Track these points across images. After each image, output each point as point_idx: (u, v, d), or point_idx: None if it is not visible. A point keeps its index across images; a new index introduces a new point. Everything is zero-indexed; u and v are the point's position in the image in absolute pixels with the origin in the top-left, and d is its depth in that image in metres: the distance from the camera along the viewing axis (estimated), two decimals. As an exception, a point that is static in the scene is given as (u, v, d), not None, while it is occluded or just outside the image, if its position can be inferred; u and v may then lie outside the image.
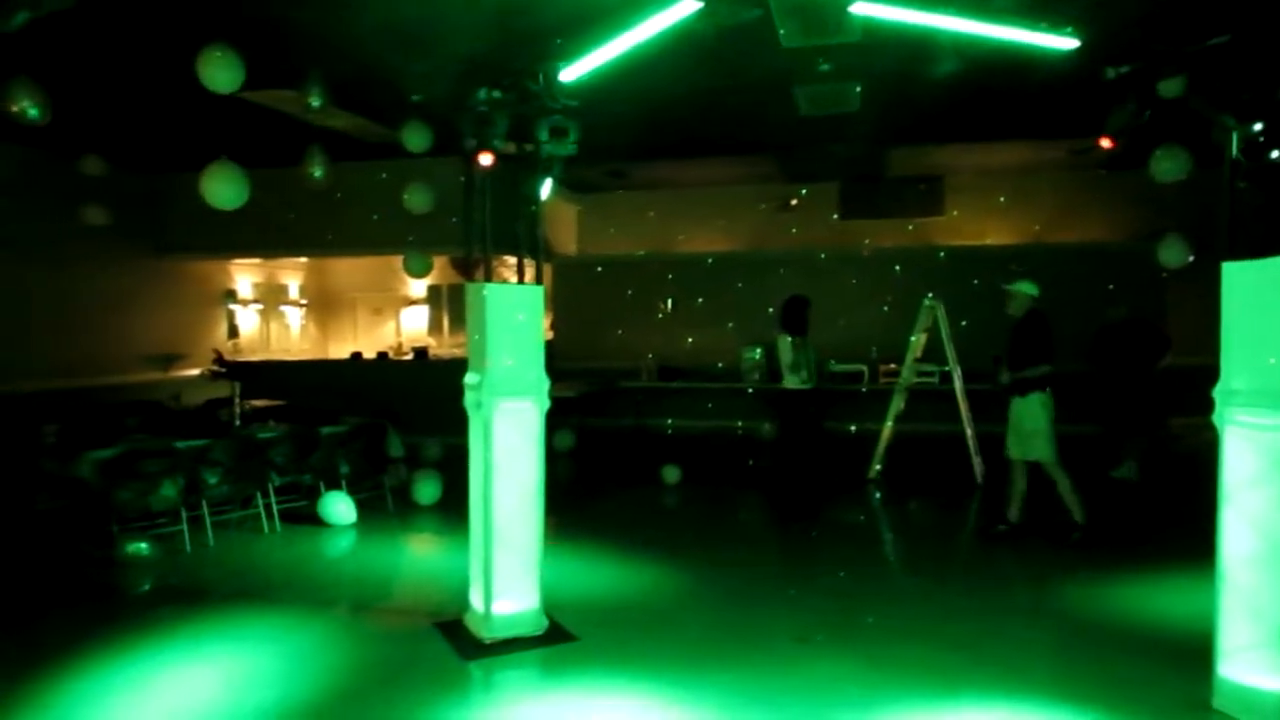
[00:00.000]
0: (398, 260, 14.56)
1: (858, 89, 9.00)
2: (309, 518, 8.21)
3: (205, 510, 7.53)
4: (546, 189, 5.41)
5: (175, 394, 10.73)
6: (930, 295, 10.19)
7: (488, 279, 5.53)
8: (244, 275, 15.38)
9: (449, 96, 5.76)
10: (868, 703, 4.43)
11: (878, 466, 10.22)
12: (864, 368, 12.79)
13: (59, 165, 10.65)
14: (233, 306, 15.04)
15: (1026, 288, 7.34)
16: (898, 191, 14.27)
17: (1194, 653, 4.53)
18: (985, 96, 9.06)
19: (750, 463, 11.32)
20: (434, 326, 16.31)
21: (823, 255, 14.03)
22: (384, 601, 6.49)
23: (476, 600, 5.38)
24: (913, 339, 10.32)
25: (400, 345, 15.95)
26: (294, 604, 6.12)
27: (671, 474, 10.06)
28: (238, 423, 8.41)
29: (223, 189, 7.68)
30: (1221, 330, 4.21)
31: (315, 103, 8.09)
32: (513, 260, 5.84)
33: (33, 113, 6.50)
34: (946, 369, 10.31)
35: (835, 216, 14.57)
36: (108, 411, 8.97)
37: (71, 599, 6.31)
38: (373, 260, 15.72)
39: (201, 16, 6.85)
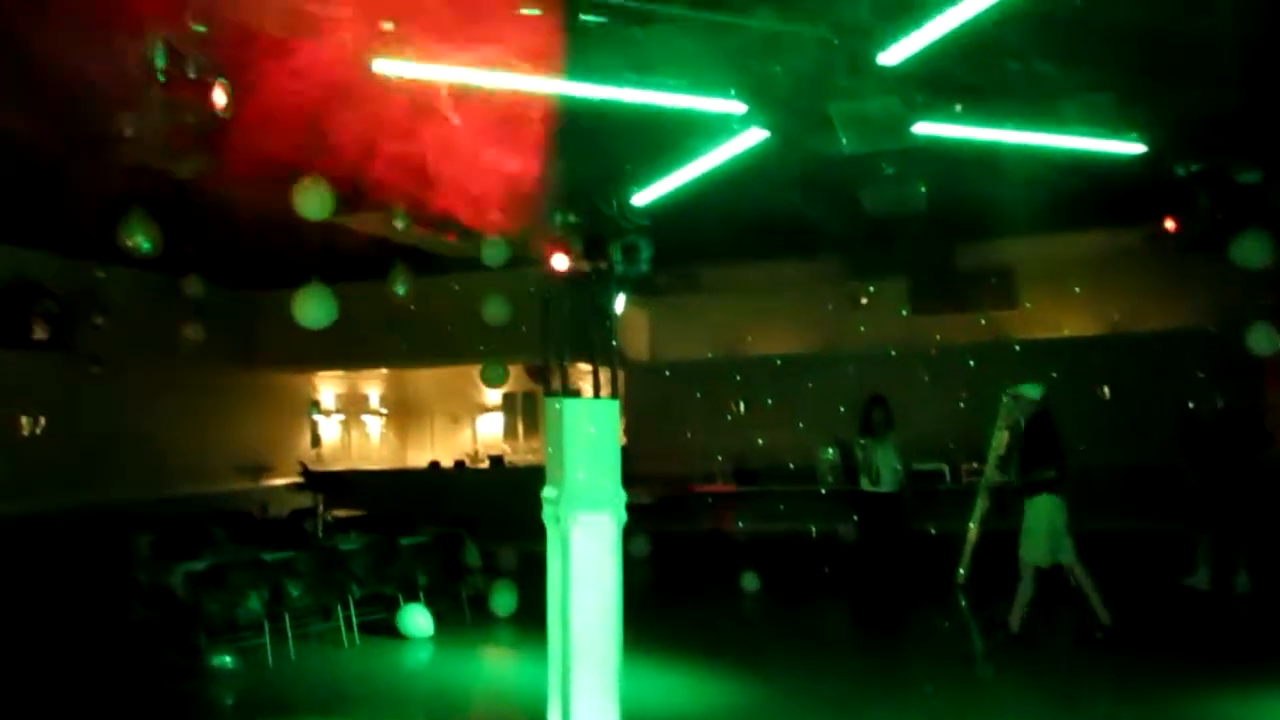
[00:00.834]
0: (474, 369, 14.90)
1: (922, 189, 9.06)
2: (388, 629, 8.24)
3: (288, 622, 7.63)
4: (620, 303, 5.55)
5: (263, 504, 11.03)
6: (1009, 390, 9.97)
7: (564, 391, 5.64)
8: (327, 386, 15.89)
9: (526, 216, 6.01)
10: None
11: (964, 571, 9.85)
12: (944, 466, 12.48)
13: (163, 285, 11.26)
14: (316, 416, 15.50)
15: (1030, 391, 7.46)
16: (968, 285, 14.14)
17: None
18: (1056, 188, 9.02)
19: (826, 569, 11.05)
20: (509, 433, 16.52)
21: (892, 352, 13.91)
22: (461, 716, 6.44)
23: (554, 714, 5.30)
24: (994, 436, 10.07)
25: (476, 452, 16.16)
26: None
27: (750, 581, 9.87)
28: (320, 534, 8.58)
29: (314, 309, 8.04)
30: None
31: (400, 224, 8.49)
32: (587, 366, 5.95)
33: (145, 246, 6.97)
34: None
35: (905, 312, 14.49)
36: (197, 522, 9.25)
37: (160, 712, 6.42)
38: (449, 369, 16.10)
39: (295, 149, 7.31)
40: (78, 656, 7.62)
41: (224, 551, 7.70)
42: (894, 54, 4.91)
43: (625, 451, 5.48)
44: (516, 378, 15.17)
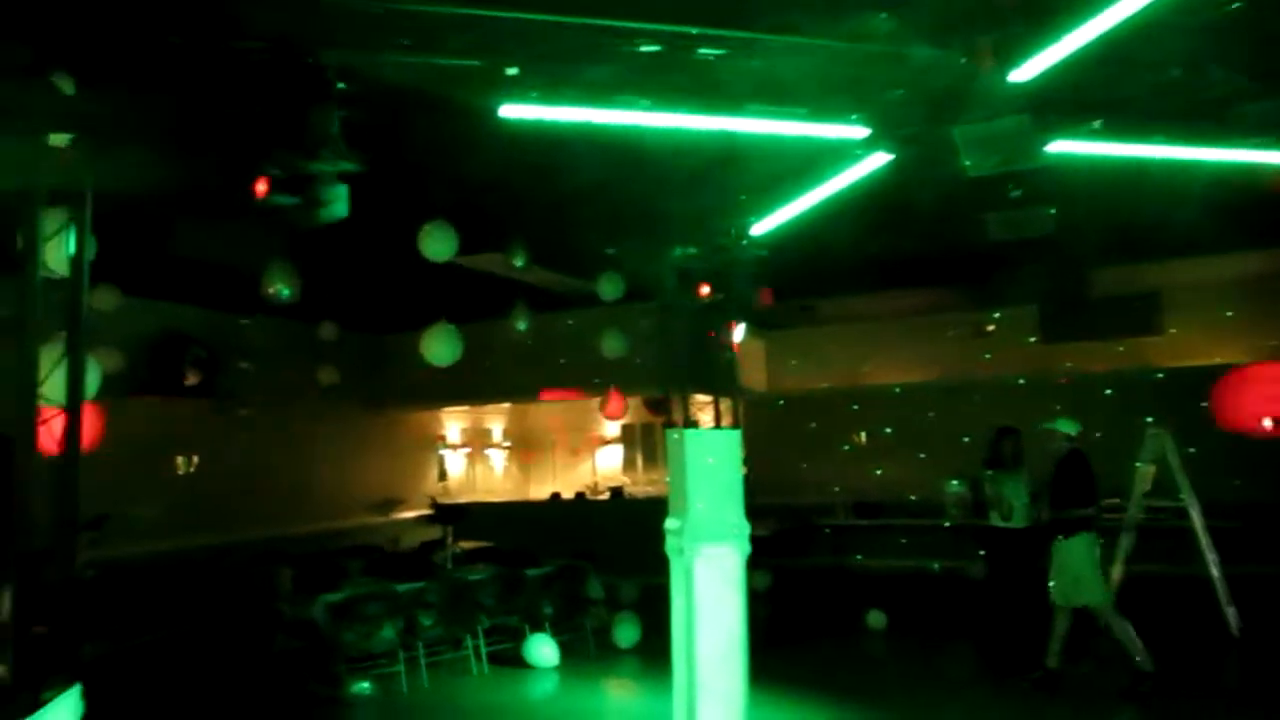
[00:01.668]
0: (592, 402, 15.09)
1: (1051, 211, 8.75)
2: (514, 660, 8.37)
3: (421, 651, 7.86)
4: (739, 333, 5.55)
5: (394, 537, 11.41)
6: (1152, 422, 9.45)
7: (685, 422, 5.66)
8: (452, 421, 16.39)
9: (646, 250, 6.10)
10: None
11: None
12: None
13: (299, 331, 11.89)
14: (442, 451, 15.99)
15: (1065, 426, 7.23)
16: (1105, 311, 13.45)
17: None
18: (1206, 206, 8.52)
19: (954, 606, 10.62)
20: (628, 465, 16.64)
21: (1020, 381, 13.38)
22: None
23: (682, 752, 5.27)
24: (1139, 470, 9.53)
25: (596, 484, 16.33)
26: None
27: (876, 619, 9.58)
28: (449, 565, 8.82)
29: (441, 347, 8.35)
30: None
31: (519, 263, 8.74)
32: (705, 398, 5.97)
33: (285, 293, 7.41)
34: (1180, 503, 9.38)
35: (1034, 340, 13.93)
36: (334, 557, 9.65)
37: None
38: (567, 403, 16.37)
39: (420, 195, 7.65)
40: (228, 685, 8.00)
41: (360, 584, 7.99)
42: (1026, 70, 4.74)
43: (744, 483, 5.47)
44: (635, 410, 15.32)
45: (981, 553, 9.44)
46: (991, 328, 14.18)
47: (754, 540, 5.26)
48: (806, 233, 6.85)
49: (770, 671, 7.56)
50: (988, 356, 14.17)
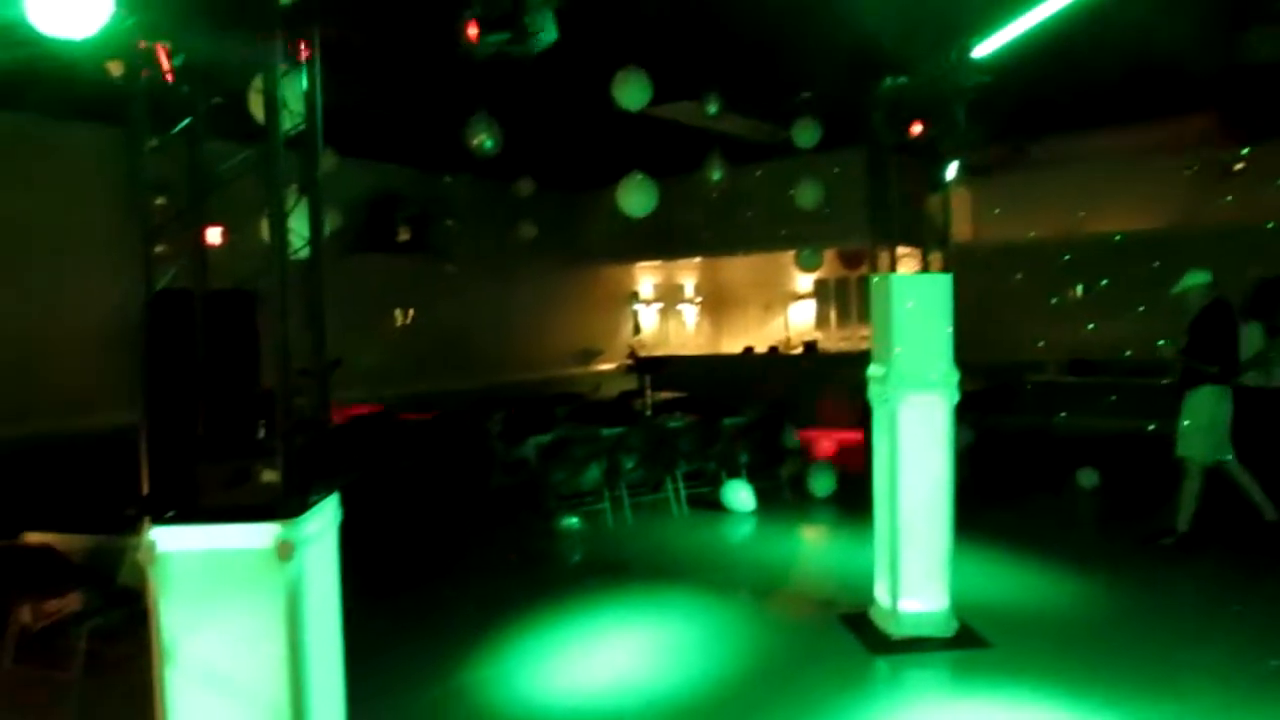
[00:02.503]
0: (785, 257, 14.83)
1: (1329, 23, 7.52)
2: (712, 504, 8.66)
3: (624, 492, 8.28)
4: (953, 171, 5.20)
5: (595, 386, 11.89)
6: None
7: (892, 270, 5.44)
8: (646, 277, 16.63)
9: (848, 88, 5.75)
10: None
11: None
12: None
13: (499, 190, 12.26)
14: (636, 306, 16.33)
15: (1197, 278, 6.82)
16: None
17: None
18: None
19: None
20: (821, 321, 16.42)
21: (1269, 226, 11.93)
22: (786, 589, 6.66)
23: (882, 596, 5.33)
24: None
25: (789, 340, 16.26)
26: (703, 584, 6.49)
27: (1088, 478, 9.16)
28: (649, 413, 9.12)
29: (637, 198, 8.35)
30: None
31: (712, 109, 8.51)
32: (903, 250, 5.69)
33: (488, 145, 7.58)
34: None
35: (1292, 179, 12.29)
36: (541, 403, 10.20)
37: (518, 563, 7.26)
38: (761, 257, 16.19)
39: (614, 38, 7.50)
40: (453, 515, 8.76)
41: (566, 428, 8.42)
42: None
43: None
44: (830, 264, 14.96)
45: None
46: (1240, 166, 12.63)
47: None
48: (1022, 64, 6.24)
49: (973, 525, 7.44)
50: (1230, 199, 12.70)
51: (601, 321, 15.70)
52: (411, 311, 12.17)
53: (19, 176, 8.36)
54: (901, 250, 5.63)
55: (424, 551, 7.60)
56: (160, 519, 2.57)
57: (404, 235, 11.97)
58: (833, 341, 15.73)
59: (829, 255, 14.61)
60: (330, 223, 6.76)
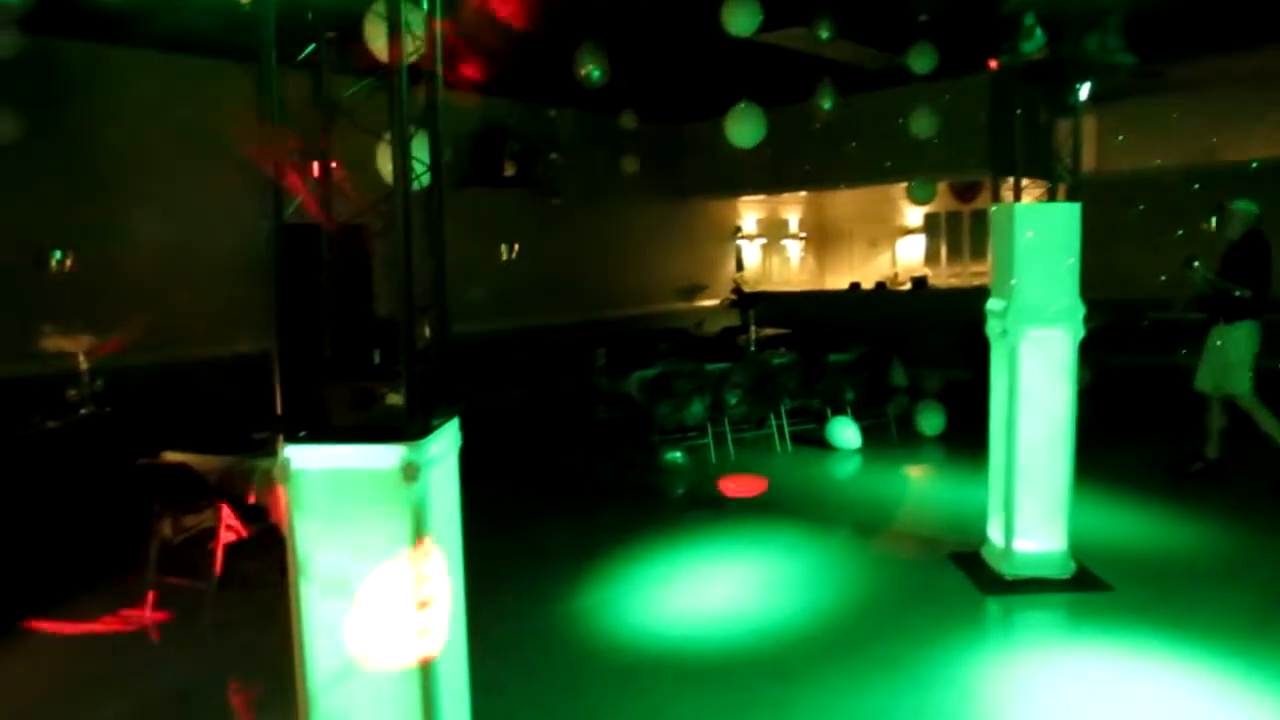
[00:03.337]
0: (893, 191, 14.38)
1: None
2: (816, 441, 8.59)
3: (727, 427, 8.27)
4: (1085, 93, 4.89)
5: (698, 322, 11.85)
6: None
7: (1016, 198, 5.20)
8: (749, 212, 16.38)
9: (968, 9, 5.45)
10: None
11: None
12: None
13: (603, 123, 12.18)
14: (739, 242, 16.13)
15: (1245, 206, 6.81)
16: None
17: None
18: None
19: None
20: (931, 256, 15.92)
21: None
22: (893, 526, 6.57)
23: (996, 535, 5.21)
24: None
25: (896, 275, 15.84)
26: (807, 519, 6.47)
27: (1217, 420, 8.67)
28: (753, 349, 9.04)
29: (744, 128, 8.17)
30: None
31: (824, 34, 8.20)
32: (1025, 181, 5.41)
33: (595, 74, 7.50)
34: None
35: None
36: (644, 337, 10.23)
37: (623, 495, 7.37)
38: (867, 192, 15.74)
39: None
40: (559, 446, 8.94)
41: (670, 362, 8.43)
42: None
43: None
44: (941, 198, 14.45)
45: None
46: None
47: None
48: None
49: (1092, 465, 7.18)
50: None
51: (704, 257, 15.57)
52: (517, 246, 12.29)
53: (156, 111, 8.69)
54: (1027, 180, 5.37)
55: (533, 480, 7.80)
56: (293, 438, 2.68)
57: (510, 170, 12.03)
58: (942, 278, 15.26)
59: (941, 188, 14.09)
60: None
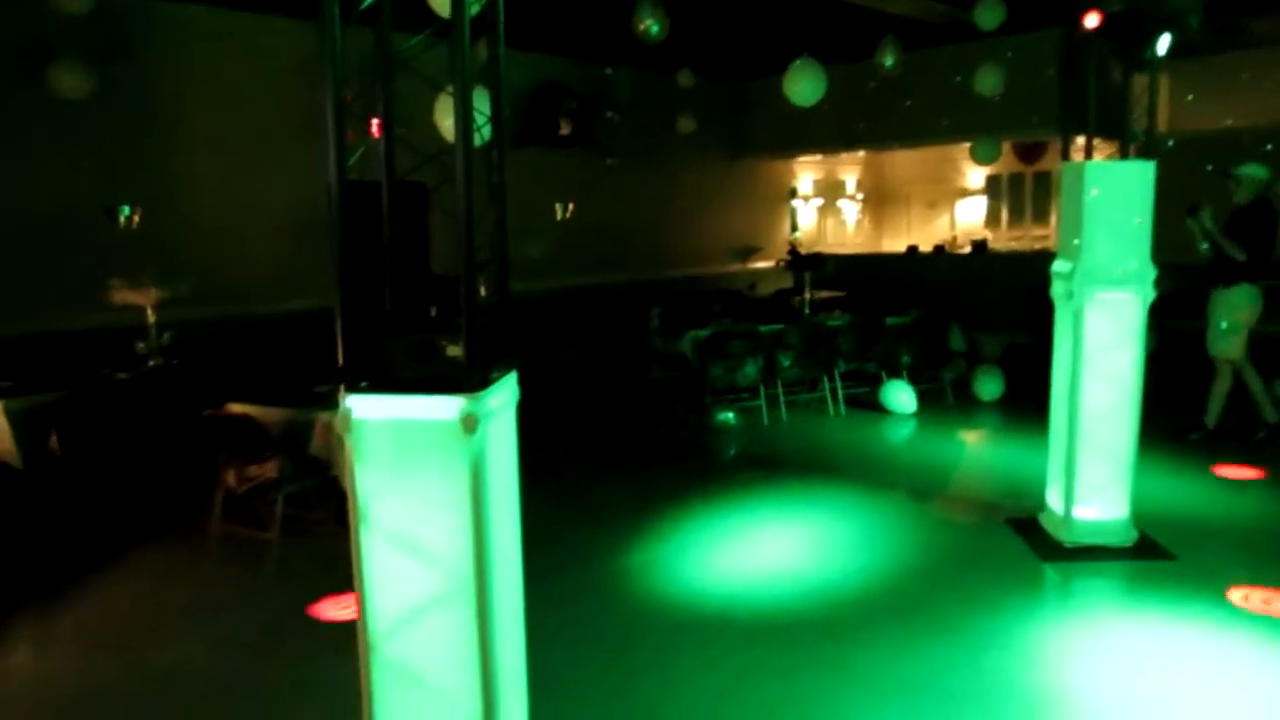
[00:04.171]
0: (953, 151, 14.02)
1: None
2: (870, 404, 8.50)
3: (780, 389, 8.23)
4: (1164, 47, 4.70)
5: (752, 284, 11.75)
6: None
7: (1088, 157, 5.03)
8: (806, 173, 16.12)
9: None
10: None
11: None
12: None
13: (660, 81, 12.03)
14: (795, 203, 15.90)
15: (1255, 171, 6.74)
16: None
17: None
18: None
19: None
20: (991, 218, 15.55)
21: None
22: (948, 491, 6.49)
23: (1055, 501, 5.12)
24: None
25: (955, 238, 15.51)
26: (861, 482, 6.43)
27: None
28: (807, 311, 8.95)
29: (804, 85, 8.02)
30: None
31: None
32: (1100, 140, 5.23)
33: (654, 29, 7.40)
34: None
35: None
36: (698, 298, 10.18)
37: (675, 455, 7.39)
38: (927, 153, 15.37)
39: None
40: (615, 405, 8.96)
41: (724, 323, 8.39)
42: None
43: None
44: (1003, 159, 14.06)
45: None
46: None
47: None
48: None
49: (1157, 432, 7.00)
50: None
51: (760, 218, 15.39)
52: (571, 205, 12.27)
53: (220, 71, 8.79)
54: (1093, 141, 5.19)
55: (587, 440, 7.85)
56: (354, 388, 2.72)
57: (566, 129, 11.97)
58: (1003, 241, 14.91)
59: (1004, 149, 13.70)
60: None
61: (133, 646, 4.19)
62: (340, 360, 2.79)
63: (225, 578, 5.03)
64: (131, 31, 8.24)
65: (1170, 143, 13.02)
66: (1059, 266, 4.94)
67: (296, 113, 8.41)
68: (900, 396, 8.25)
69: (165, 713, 3.62)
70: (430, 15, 4.92)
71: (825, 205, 16.51)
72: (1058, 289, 4.95)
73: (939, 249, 14.49)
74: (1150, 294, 4.75)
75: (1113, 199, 4.69)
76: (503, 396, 2.84)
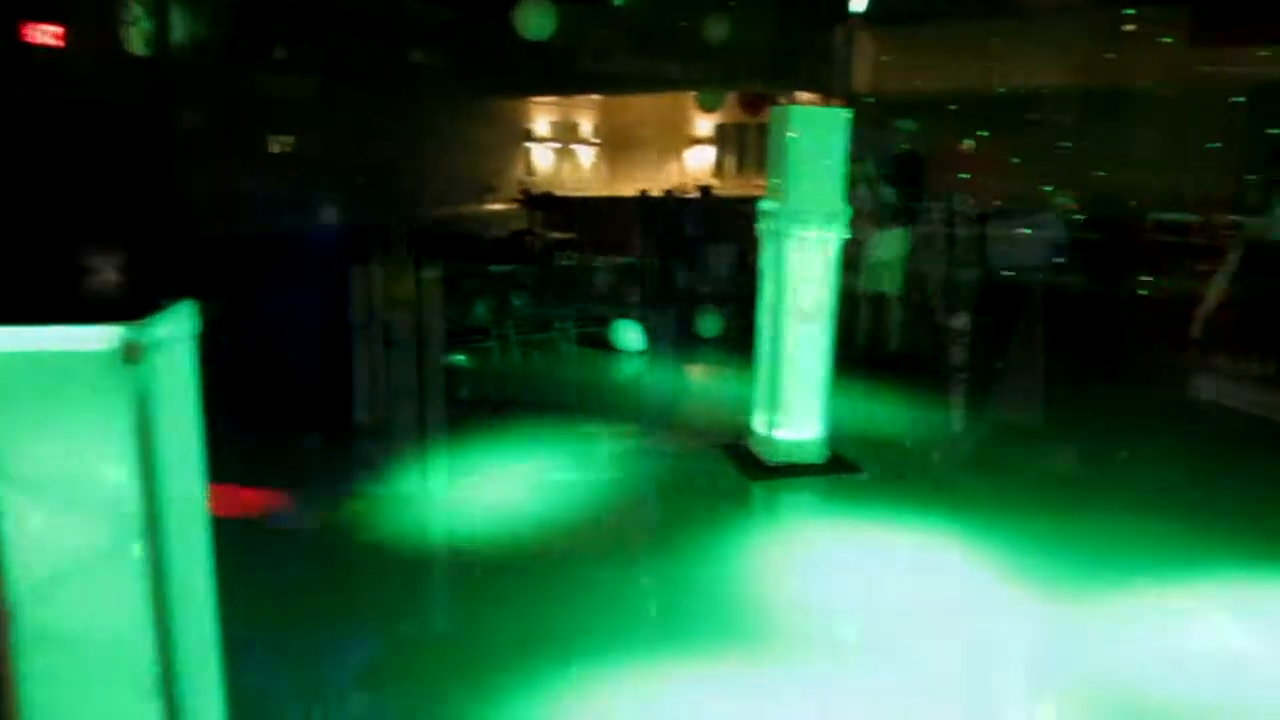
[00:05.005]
0: (685, 100, 14.46)
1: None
2: (601, 343, 8.66)
3: (510, 329, 8.18)
4: (860, 3, 5.05)
5: (486, 224, 11.56)
6: None
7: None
8: (542, 115, 16.02)
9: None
10: (1188, 564, 4.10)
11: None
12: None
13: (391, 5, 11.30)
14: (529, 145, 15.79)
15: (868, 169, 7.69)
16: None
17: None
18: None
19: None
20: (720, 167, 16.27)
21: (1156, 89, 12.16)
22: (670, 421, 6.79)
23: (760, 424, 5.48)
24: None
25: (684, 184, 16.09)
26: (589, 417, 6.56)
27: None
28: (539, 251, 8.95)
29: (535, 18, 7.88)
30: None
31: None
32: (809, 96, 5.58)
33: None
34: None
35: (1171, 41, 12.46)
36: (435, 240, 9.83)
37: (403, 401, 7.15)
38: (660, 100, 15.76)
39: None
40: (331, 349, 8.49)
41: (454, 264, 8.18)
42: None
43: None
44: (729, 108, 14.68)
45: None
46: (1131, 27, 12.74)
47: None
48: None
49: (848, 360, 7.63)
50: (1111, 57, 12.80)
51: (496, 159, 15.13)
52: (293, 138, 11.43)
53: None
54: (806, 96, 5.53)
55: (302, 381, 7.39)
56: (-12, 318, 2.35)
57: (280, 53, 11.08)
58: (729, 188, 15.66)
59: (731, 100, 14.33)
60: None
61: None
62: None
63: None
64: None
65: (878, 102, 14.21)
66: (765, 205, 5.24)
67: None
68: (629, 335, 8.47)
69: None
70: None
71: (562, 148, 16.55)
72: (764, 226, 5.25)
73: (668, 194, 14.96)
74: (845, 233, 5.14)
75: (814, 144, 5.01)
76: (177, 326, 2.57)
